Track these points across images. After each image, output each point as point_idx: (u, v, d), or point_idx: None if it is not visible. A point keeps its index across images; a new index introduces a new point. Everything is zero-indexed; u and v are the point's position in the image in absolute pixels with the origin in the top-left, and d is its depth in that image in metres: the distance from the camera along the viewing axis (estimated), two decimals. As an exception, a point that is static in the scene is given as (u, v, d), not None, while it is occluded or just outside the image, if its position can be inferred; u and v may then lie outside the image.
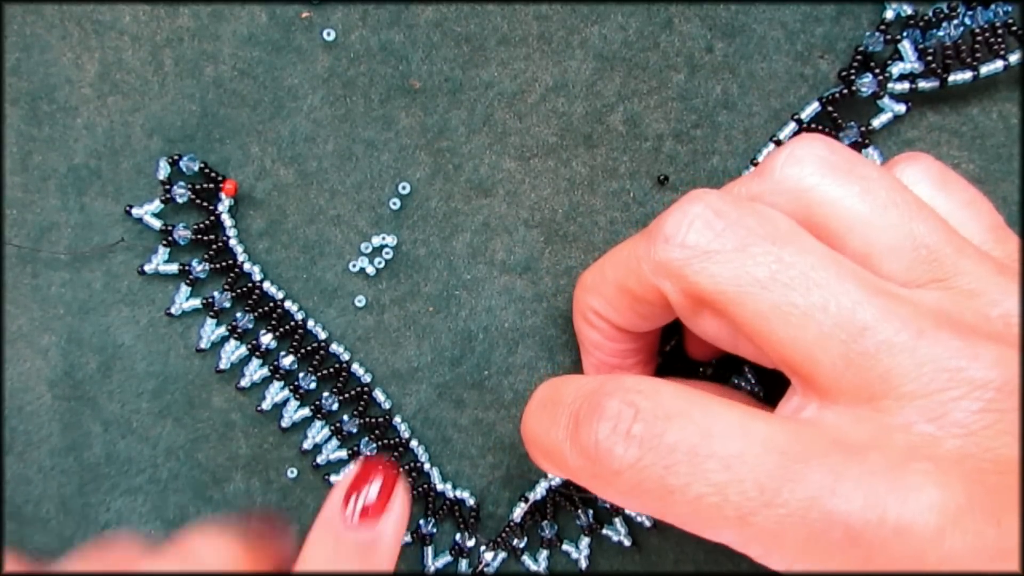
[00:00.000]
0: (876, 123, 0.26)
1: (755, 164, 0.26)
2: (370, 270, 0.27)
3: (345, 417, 0.27)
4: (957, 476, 0.17)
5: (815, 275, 0.19)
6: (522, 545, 0.27)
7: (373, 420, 0.27)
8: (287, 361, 0.27)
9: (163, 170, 0.27)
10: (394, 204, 0.27)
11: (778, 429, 0.18)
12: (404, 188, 0.27)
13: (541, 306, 0.27)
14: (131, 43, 0.27)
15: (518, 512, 0.27)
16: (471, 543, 0.28)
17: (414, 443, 0.27)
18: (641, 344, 0.25)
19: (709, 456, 0.18)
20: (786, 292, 0.19)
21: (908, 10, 0.26)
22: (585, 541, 0.27)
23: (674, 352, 0.27)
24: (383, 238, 0.27)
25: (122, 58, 0.27)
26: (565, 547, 0.27)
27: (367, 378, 0.27)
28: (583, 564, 0.27)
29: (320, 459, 0.28)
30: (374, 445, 0.27)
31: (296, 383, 0.27)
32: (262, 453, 0.28)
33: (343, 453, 0.28)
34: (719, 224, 0.20)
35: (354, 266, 0.27)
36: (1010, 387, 0.17)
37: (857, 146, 0.26)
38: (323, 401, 0.27)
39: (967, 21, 0.25)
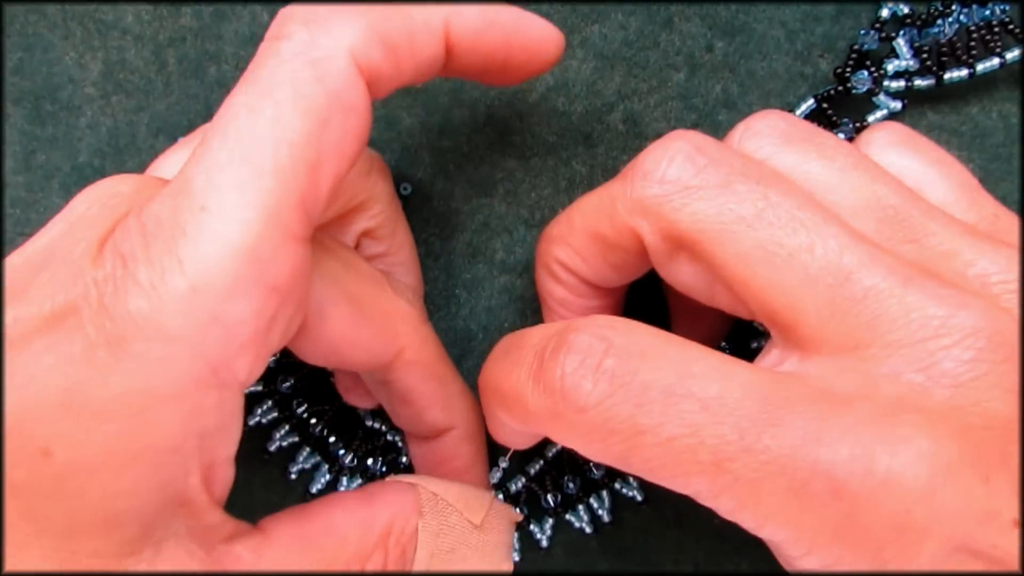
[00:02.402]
0: (871, 120, 0.26)
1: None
2: (370, 269, 0.27)
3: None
4: (947, 429, 0.16)
5: (801, 215, 0.18)
6: None
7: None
8: None
9: None
10: (396, 204, 0.27)
11: (760, 376, 0.17)
12: (405, 189, 0.27)
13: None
14: (134, 43, 0.27)
15: None
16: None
17: None
18: (608, 303, 0.24)
19: (686, 396, 0.17)
20: (772, 231, 0.18)
21: (904, 8, 0.26)
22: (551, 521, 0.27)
23: None
24: (383, 237, 0.27)
25: (125, 58, 0.27)
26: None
27: None
28: (587, 530, 0.27)
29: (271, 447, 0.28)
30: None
31: None
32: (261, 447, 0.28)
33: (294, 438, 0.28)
34: (701, 160, 0.19)
35: (354, 265, 0.27)
36: (1000, 339, 0.16)
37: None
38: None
39: (963, 19, 0.25)
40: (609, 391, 0.17)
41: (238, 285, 0.17)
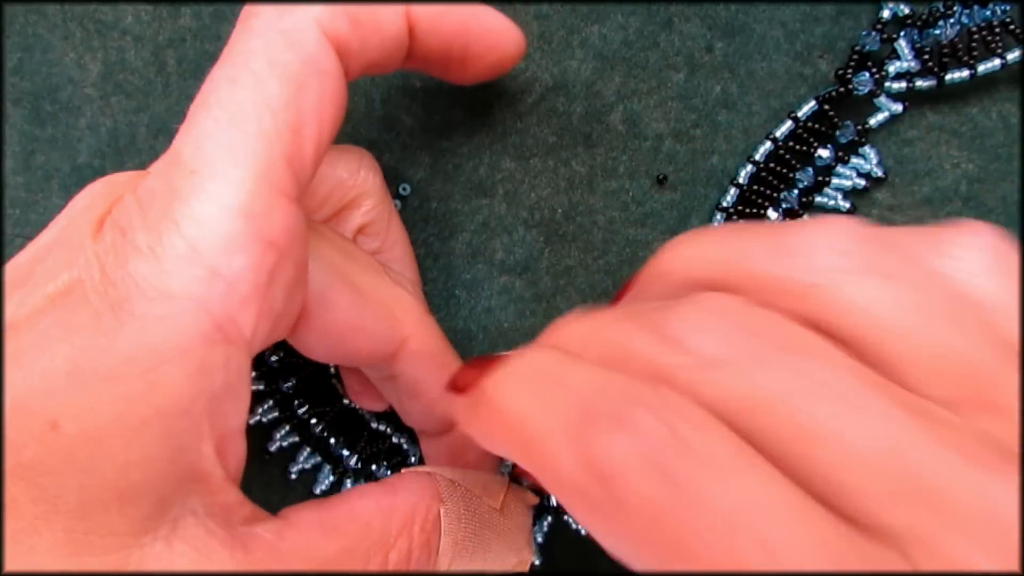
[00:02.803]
0: (872, 122, 0.26)
1: (752, 162, 0.26)
2: (370, 269, 0.27)
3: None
4: None
5: (843, 389, 0.15)
6: None
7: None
8: None
9: None
10: (395, 205, 0.27)
11: (837, 533, 0.14)
12: (404, 189, 0.27)
13: (540, 306, 0.27)
14: (134, 43, 0.27)
15: None
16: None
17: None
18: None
19: (752, 534, 0.14)
20: (808, 406, 0.15)
21: (905, 9, 0.26)
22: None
23: None
24: (383, 238, 0.27)
25: (125, 58, 0.27)
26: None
27: None
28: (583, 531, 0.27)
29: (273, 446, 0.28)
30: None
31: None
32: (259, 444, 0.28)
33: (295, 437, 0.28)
34: (727, 329, 0.16)
35: (354, 265, 0.27)
36: None
37: (854, 144, 0.26)
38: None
39: (964, 20, 0.25)
40: (661, 497, 0.14)
41: (235, 240, 0.17)
